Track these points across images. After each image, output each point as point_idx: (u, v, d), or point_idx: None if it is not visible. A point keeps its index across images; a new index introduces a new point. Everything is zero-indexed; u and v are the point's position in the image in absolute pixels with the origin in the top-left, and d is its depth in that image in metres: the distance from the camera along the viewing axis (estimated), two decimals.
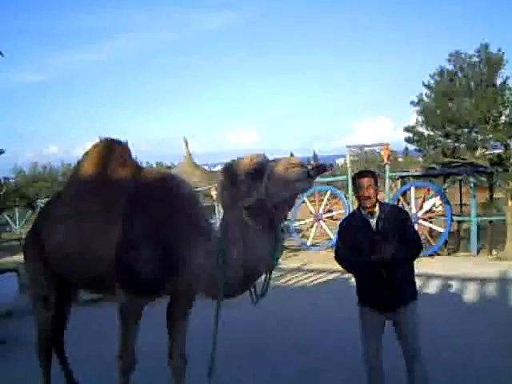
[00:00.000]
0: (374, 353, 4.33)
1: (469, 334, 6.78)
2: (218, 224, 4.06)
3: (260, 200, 3.69)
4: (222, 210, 4.08)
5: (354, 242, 4.30)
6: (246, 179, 3.75)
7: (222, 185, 3.94)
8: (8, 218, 24.43)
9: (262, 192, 3.66)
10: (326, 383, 5.33)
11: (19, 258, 6.14)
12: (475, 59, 16.36)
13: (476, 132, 15.82)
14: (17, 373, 6.03)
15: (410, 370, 4.27)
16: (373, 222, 4.28)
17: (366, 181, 4.26)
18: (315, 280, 11.34)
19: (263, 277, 4.05)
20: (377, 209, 4.29)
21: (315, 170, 3.65)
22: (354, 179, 4.42)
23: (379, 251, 4.03)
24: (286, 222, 3.98)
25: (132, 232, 4.09)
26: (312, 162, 4.17)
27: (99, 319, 7.86)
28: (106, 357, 5.03)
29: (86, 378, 5.37)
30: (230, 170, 3.85)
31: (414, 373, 4.24)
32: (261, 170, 3.70)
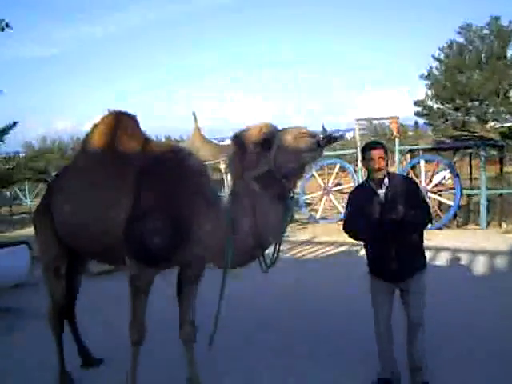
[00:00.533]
0: (383, 319, 4.41)
1: (476, 305, 6.81)
2: (227, 195, 4.07)
3: (269, 170, 3.69)
4: (230, 181, 4.09)
5: (362, 212, 4.31)
6: (255, 149, 3.74)
7: (232, 154, 3.94)
8: (18, 192, 24.60)
9: (271, 162, 3.66)
10: (336, 353, 5.37)
11: (30, 231, 6.20)
12: (486, 31, 16.17)
13: (486, 105, 15.70)
14: (30, 342, 6.13)
15: (411, 338, 4.34)
16: (381, 193, 4.28)
17: (376, 153, 4.25)
18: (324, 252, 11.38)
19: (273, 246, 4.07)
20: (386, 180, 4.29)
21: (325, 140, 3.63)
22: (363, 150, 4.39)
23: (386, 215, 4.12)
24: (295, 192, 3.97)
25: (141, 203, 4.11)
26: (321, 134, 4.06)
27: (110, 290, 7.94)
28: (117, 326, 5.11)
29: (97, 347, 5.46)
30: (239, 139, 3.84)
31: (415, 341, 4.31)
32: (270, 139, 3.68)
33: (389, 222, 4.17)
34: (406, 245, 4.27)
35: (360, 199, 4.41)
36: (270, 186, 3.75)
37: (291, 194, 3.89)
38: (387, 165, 4.33)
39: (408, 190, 4.31)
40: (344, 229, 4.49)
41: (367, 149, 4.34)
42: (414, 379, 4.42)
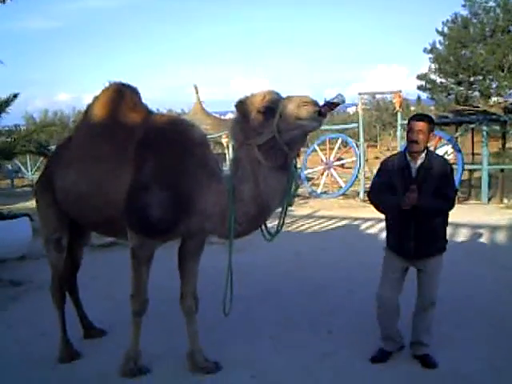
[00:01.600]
0: (388, 283, 4.42)
1: (477, 278, 6.86)
2: (228, 164, 4.08)
3: (272, 138, 3.68)
4: (232, 148, 4.09)
5: (390, 182, 4.29)
6: (258, 116, 3.73)
7: (235, 121, 3.93)
8: (20, 165, 24.57)
9: (274, 130, 3.64)
10: (336, 326, 5.41)
11: (32, 203, 6.21)
12: (491, 4, 15.96)
13: (490, 79, 15.56)
14: (33, 313, 6.16)
15: (421, 315, 4.38)
16: (414, 167, 4.24)
17: (418, 124, 4.18)
18: (326, 226, 11.40)
19: (277, 218, 4.10)
20: (423, 156, 4.23)
21: (326, 107, 3.61)
22: (409, 120, 4.31)
23: (406, 198, 4.05)
24: (297, 162, 3.97)
25: (143, 175, 4.11)
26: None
27: (112, 262, 7.98)
28: (119, 298, 5.15)
29: (98, 319, 5.49)
30: (242, 105, 3.82)
31: (425, 318, 4.37)
32: (273, 107, 3.66)
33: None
34: (427, 225, 4.25)
35: (392, 169, 4.35)
36: (272, 155, 3.73)
37: (294, 164, 3.87)
38: (427, 141, 4.24)
39: (442, 171, 4.23)
40: (368, 197, 4.56)
41: (411, 119, 4.29)
42: (414, 352, 4.46)
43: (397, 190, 4.22)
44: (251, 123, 3.76)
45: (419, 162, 4.22)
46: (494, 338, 4.97)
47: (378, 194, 4.42)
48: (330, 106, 3.62)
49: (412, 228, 4.24)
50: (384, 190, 4.34)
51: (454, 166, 13.76)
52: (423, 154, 4.22)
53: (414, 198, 4.00)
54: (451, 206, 4.27)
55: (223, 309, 4.23)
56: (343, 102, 3.63)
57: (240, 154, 3.94)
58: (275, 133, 3.64)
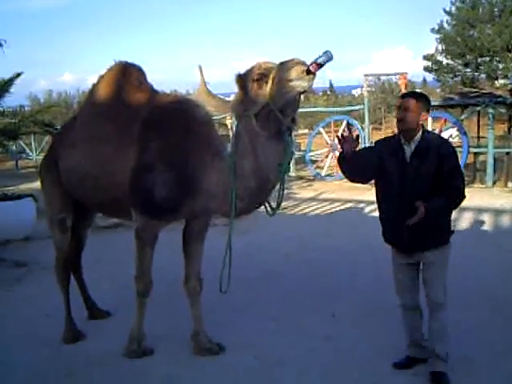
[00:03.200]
0: (403, 290, 4.08)
1: (481, 262, 6.85)
2: (230, 140, 4.08)
3: (266, 105, 3.69)
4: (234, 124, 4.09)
5: (381, 164, 3.89)
6: (253, 86, 3.75)
7: (235, 95, 3.95)
8: (24, 146, 24.56)
9: (267, 96, 3.66)
10: (338, 307, 5.42)
11: (36, 185, 6.21)
12: None
13: (497, 61, 15.42)
14: (38, 294, 6.19)
15: (430, 319, 3.96)
16: (408, 150, 3.83)
17: (404, 101, 3.81)
18: (330, 209, 11.38)
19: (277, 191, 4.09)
20: (417, 137, 3.81)
21: (314, 65, 3.59)
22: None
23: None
24: (293, 129, 3.95)
25: (147, 155, 4.12)
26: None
27: (116, 244, 8.00)
28: (124, 280, 5.16)
29: (103, 300, 5.52)
30: (240, 78, 3.83)
31: (432, 323, 3.93)
32: (266, 74, 3.68)
33: (409, 189, 3.76)
34: (422, 222, 3.65)
35: (384, 150, 3.95)
36: (268, 123, 3.73)
37: (289, 131, 3.84)
38: (418, 121, 3.80)
39: (442, 154, 3.72)
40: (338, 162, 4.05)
41: (400, 97, 4.00)
42: (431, 365, 3.99)
43: (392, 177, 3.85)
44: (249, 94, 3.79)
45: (413, 145, 3.80)
46: (497, 322, 4.97)
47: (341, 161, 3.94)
48: (317, 63, 3.60)
49: (405, 216, 3.69)
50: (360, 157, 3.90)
51: (460, 149, 13.77)
52: (418, 136, 3.80)
53: (422, 213, 3.56)
54: (462, 197, 3.75)
55: (220, 286, 4.24)
56: (331, 58, 3.60)
57: (239, 127, 3.95)
58: (268, 99, 3.66)
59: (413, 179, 3.76)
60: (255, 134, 3.79)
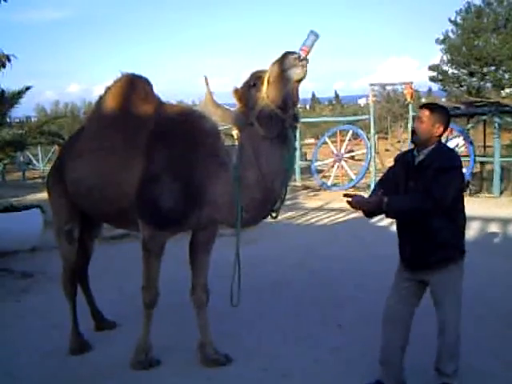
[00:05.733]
0: (394, 299, 3.86)
1: (488, 273, 6.81)
2: (235, 152, 4.09)
3: (265, 106, 3.72)
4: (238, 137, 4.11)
5: (394, 176, 3.86)
6: (250, 92, 3.80)
7: (236, 109, 3.99)
8: (31, 156, 24.66)
9: (265, 97, 3.70)
10: (345, 318, 5.40)
11: (43, 195, 6.23)
12: None
13: (503, 70, 15.42)
14: (44, 304, 6.19)
15: (438, 340, 3.75)
16: (417, 161, 3.73)
17: (420, 112, 3.74)
18: (336, 219, 11.36)
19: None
20: (427, 150, 3.68)
21: (303, 50, 3.60)
22: None
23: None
24: (296, 128, 3.96)
25: (154, 166, 4.13)
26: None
27: (123, 255, 8.00)
28: (130, 290, 5.16)
29: (109, 311, 5.50)
30: (237, 90, 3.88)
31: (441, 345, 3.71)
32: (260, 77, 3.74)
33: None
34: (424, 228, 3.63)
35: (398, 164, 3.91)
36: (270, 124, 3.75)
37: (292, 128, 3.84)
38: (432, 133, 3.67)
39: (438, 167, 3.56)
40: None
41: (419, 107, 3.90)
42: (439, 378, 3.77)
43: (398, 185, 3.77)
44: (248, 102, 3.82)
45: (421, 156, 3.70)
46: (507, 333, 4.94)
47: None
48: (307, 46, 3.61)
49: (408, 230, 3.70)
50: (385, 186, 3.82)
51: (466, 159, 13.74)
52: (429, 148, 3.68)
53: (356, 202, 3.60)
54: (436, 206, 3.49)
55: (230, 299, 4.23)
56: (318, 36, 3.61)
57: (243, 138, 3.98)
58: (267, 100, 3.69)
59: (414, 190, 3.65)
60: (259, 139, 3.81)
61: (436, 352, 3.76)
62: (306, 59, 3.61)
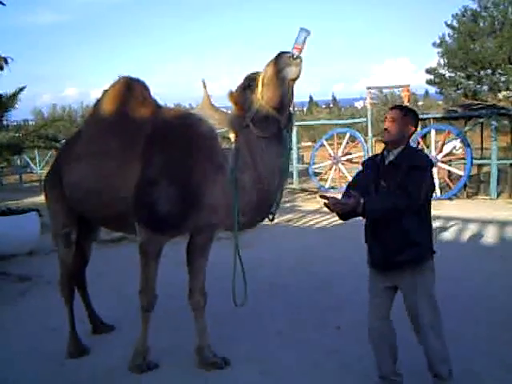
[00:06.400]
0: (374, 312, 3.90)
1: (486, 275, 6.81)
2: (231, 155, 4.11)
3: (260, 107, 3.75)
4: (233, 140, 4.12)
5: (364, 179, 3.83)
6: (245, 95, 3.83)
7: (231, 112, 4.04)
8: (29, 160, 24.62)
9: (259, 98, 3.73)
10: (343, 320, 5.40)
11: (40, 199, 6.23)
12: None
13: (499, 73, 15.43)
14: (42, 308, 6.18)
15: (421, 341, 3.71)
16: (387, 161, 3.72)
17: (391, 112, 3.73)
18: (333, 222, 11.35)
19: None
20: (397, 151, 3.67)
21: (295, 49, 3.62)
22: None
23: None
24: (290, 130, 3.98)
25: (151, 170, 4.13)
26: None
27: (120, 258, 7.99)
28: (128, 293, 5.15)
29: (107, 314, 5.50)
30: (232, 94, 3.90)
31: (427, 350, 3.67)
32: (254, 79, 3.77)
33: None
34: (395, 226, 3.60)
35: (367, 166, 3.91)
36: (265, 125, 3.79)
37: (287, 129, 3.87)
38: (402, 133, 3.66)
39: (411, 166, 3.55)
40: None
41: (389, 108, 3.87)
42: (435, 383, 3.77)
43: (367, 186, 3.75)
44: (244, 105, 3.85)
45: (391, 157, 3.69)
46: (504, 336, 4.93)
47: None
48: (299, 44, 3.63)
49: (378, 232, 3.70)
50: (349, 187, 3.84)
51: (463, 161, 13.76)
52: (399, 149, 3.67)
53: (333, 204, 3.55)
54: (411, 204, 3.48)
55: (233, 299, 4.24)
56: (309, 32, 3.63)
57: (239, 141, 3.99)
58: (261, 101, 3.72)
59: (386, 189, 3.64)
60: (255, 140, 3.85)
61: (426, 358, 3.71)
62: (299, 57, 3.64)
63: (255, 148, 3.87)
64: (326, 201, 3.59)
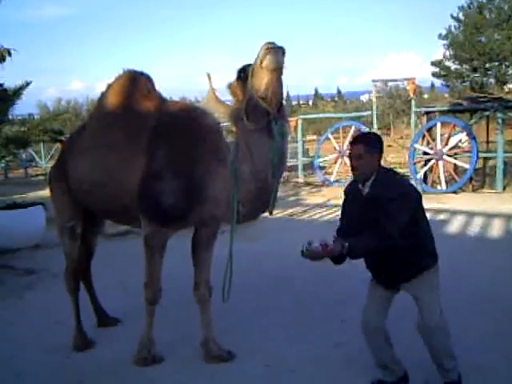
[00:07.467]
0: (370, 312, 3.92)
1: (491, 269, 6.79)
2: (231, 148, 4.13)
3: (250, 97, 3.77)
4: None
5: (350, 214, 3.86)
6: (239, 84, 3.88)
7: (231, 104, 4.07)
8: (34, 154, 24.69)
9: (250, 88, 3.75)
10: (348, 314, 5.39)
11: (46, 192, 6.24)
12: None
13: (506, 66, 15.36)
14: (47, 301, 6.20)
15: (428, 344, 3.72)
16: (364, 193, 3.68)
17: (354, 149, 3.63)
18: (338, 216, 11.33)
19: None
20: (371, 181, 3.63)
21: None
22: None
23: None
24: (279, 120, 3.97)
25: (156, 163, 4.14)
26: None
27: (125, 251, 8.00)
28: (133, 287, 5.16)
29: (112, 308, 5.52)
30: (231, 85, 3.97)
31: (433, 348, 3.70)
32: (246, 68, 3.80)
33: (365, 229, 3.57)
34: (387, 257, 3.61)
35: (348, 200, 3.92)
36: (255, 115, 3.80)
37: (276, 121, 3.83)
38: (372, 165, 3.61)
39: (386, 199, 3.51)
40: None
41: (350, 143, 3.76)
42: (443, 377, 3.80)
43: (351, 219, 3.81)
44: (240, 97, 3.90)
45: (366, 189, 3.64)
46: (508, 329, 4.92)
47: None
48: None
49: (374, 258, 3.72)
50: (346, 231, 3.79)
51: (469, 154, 13.70)
52: (371, 180, 3.62)
53: (315, 253, 3.58)
54: (391, 242, 3.44)
55: (222, 295, 4.25)
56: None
57: (237, 133, 4.03)
58: (251, 90, 3.75)
59: (367, 222, 3.57)
60: (248, 132, 3.87)
61: (430, 353, 3.74)
62: (279, 47, 3.62)
63: (249, 139, 3.90)
64: (310, 254, 3.65)
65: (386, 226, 3.43)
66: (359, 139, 3.73)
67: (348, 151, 3.75)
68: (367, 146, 3.61)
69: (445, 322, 3.71)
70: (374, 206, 3.57)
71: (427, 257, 3.72)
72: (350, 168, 3.81)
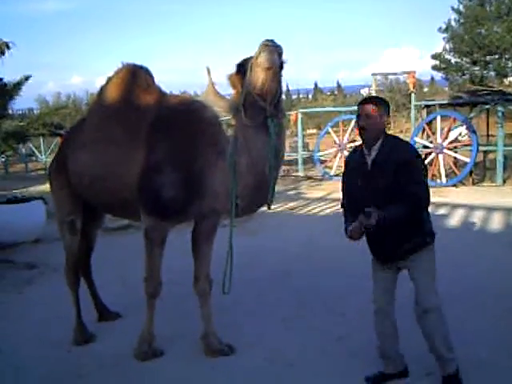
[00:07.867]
0: (379, 297, 3.94)
1: (490, 262, 6.79)
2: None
3: (248, 93, 3.77)
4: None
5: (351, 185, 3.84)
6: (237, 78, 3.88)
7: (231, 97, 4.05)
8: (34, 148, 24.68)
9: (247, 84, 3.76)
10: (349, 307, 5.40)
11: (46, 187, 6.24)
12: None
13: (506, 59, 15.30)
14: (48, 296, 6.20)
15: (422, 326, 3.73)
16: (369, 159, 3.64)
17: (365, 108, 3.62)
18: (339, 209, 11.33)
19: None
20: (378, 144, 3.60)
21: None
22: (357, 106, 3.74)
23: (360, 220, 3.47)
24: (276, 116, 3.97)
25: (155, 156, 4.14)
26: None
27: (126, 245, 8.00)
28: (133, 281, 5.16)
29: (112, 302, 5.52)
30: (230, 77, 3.95)
31: (427, 329, 3.70)
32: (244, 64, 3.79)
33: (369, 199, 3.52)
34: (393, 232, 3.57)
35: (350, 171, 3.87)
36: (252, 112, 3.81)
37: (272, 119, 3.82)
38: (380, 127, 3.63)
39: (398, 161, 3.48)
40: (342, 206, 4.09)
41: (358, 104, 3.73)
42: (442, 369, 3.80)
43: (352, 187, 3.81)
44: (239, 87, 3.89)
45: (373, 153, 3.60)
46: (508, 322, 4.93)
47: (344, 212, 3.95)
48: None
49: (378, 231, 3.53)
50: (348, 204, 3.91)
51: (469, 148, 13.69)
52: (379, 143, 3.59)
53: (356, 230, 3.55)
54: (421, 204, 3.53)
55: (223, 287, 4.25)
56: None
57: (236, 126, 4.03)
58: (248, 86, 3.74)
59: (374, 189, 3.56)
60: (245, 126, 3.87)
61: (427, 341, 3.76)
62: (276, 46, 3.63)
63: (246, 133, 3.90)
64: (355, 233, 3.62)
65: (416, 190, 3.45)
66: (368, 99, 3.76)
67: (358, 111, 3.68)
68: (376, 106, 3.62)
69: (441, 304, 3.71)
70: (381, 171, 3.54)
71: (426, 233, 3.73)
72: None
